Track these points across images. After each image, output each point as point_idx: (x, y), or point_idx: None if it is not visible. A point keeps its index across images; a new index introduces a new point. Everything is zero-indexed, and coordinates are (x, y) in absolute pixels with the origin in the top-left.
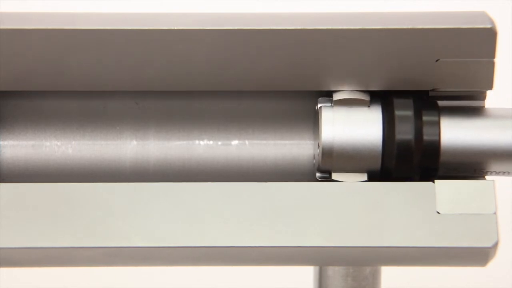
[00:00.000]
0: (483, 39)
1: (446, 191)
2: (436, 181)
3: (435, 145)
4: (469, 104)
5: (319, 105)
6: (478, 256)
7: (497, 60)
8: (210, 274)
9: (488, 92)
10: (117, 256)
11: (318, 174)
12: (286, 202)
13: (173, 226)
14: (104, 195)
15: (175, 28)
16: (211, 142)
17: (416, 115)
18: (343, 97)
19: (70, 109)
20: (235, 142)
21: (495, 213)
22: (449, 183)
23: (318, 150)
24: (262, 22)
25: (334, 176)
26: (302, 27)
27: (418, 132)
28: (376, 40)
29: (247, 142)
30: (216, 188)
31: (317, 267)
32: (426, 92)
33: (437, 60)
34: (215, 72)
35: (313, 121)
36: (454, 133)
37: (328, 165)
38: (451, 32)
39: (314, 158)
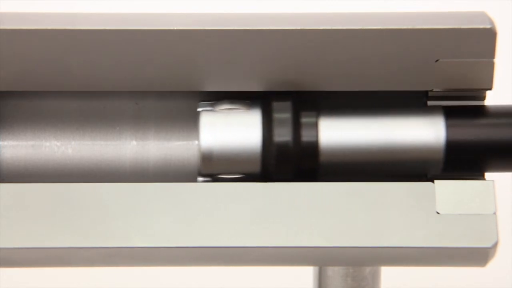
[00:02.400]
0: (482, 39)
1: (445, 191)
2: (436, 181)
3: (314, 146)
4: (468, 104)
5: (198, 109)
6: (478, 256)
7: (497, 60)
8: (210, 274)
9: (488, 92)
10: (117, 256)
11: (199, 178)
12: (286, 202)
13: (173, 226)
14: (104, 195)
15: (175, 28)
16: None
17: (294, 117)
18: (222, 100)
19: (70, 109)
20: None
21: (495, 213)
22: (449, 183)
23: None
24: (262, 22)
25: (215, 179)
26: (301, 27)
27: (296, 134)
28: (376, 40)
29: None
30: (216, 188)
31: (316, 267)
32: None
33: (436, 60)
34: (214, 72)
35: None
36: (332, 133)
37: (209, 169)
38: (450, 32)
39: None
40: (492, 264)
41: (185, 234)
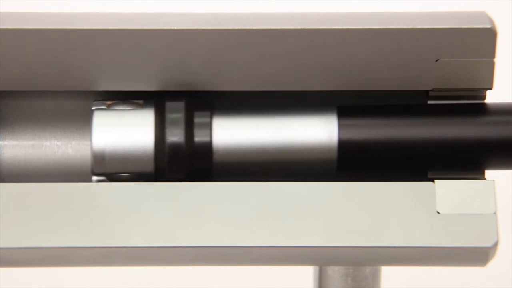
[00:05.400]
0: (483, 39)
1: (446, 191)
2: (436, 181)
3: (207, 146)
4: (467, 103)
5: (92, 108)
6: (478, 256)
7: (497, 60)
8: (210, 274)
9: (488, 92)
10: (117, 256)
11: (93, 178)
12: (286, 202)
13: (173, 226)
14: (104, 195)
15: (175, 28)
16: None
17: (187, 117)
18: (116, 100)
19: (70, 109)
20: None
21: (495, 213)
22: (449, 183)
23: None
24: (262, 22)
25: (109, 179)
26: (301, 27)
27: (189, 134)
28: (376, 40)
29: None
30: (216, 188)
31: (317, 267)
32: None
33: (437, 60)
34: (215, 72)
35: None
36: (226, 133)
37: (101, 168)
38: (451, 32)
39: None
40: (492, 264)
41: (185, 234)
